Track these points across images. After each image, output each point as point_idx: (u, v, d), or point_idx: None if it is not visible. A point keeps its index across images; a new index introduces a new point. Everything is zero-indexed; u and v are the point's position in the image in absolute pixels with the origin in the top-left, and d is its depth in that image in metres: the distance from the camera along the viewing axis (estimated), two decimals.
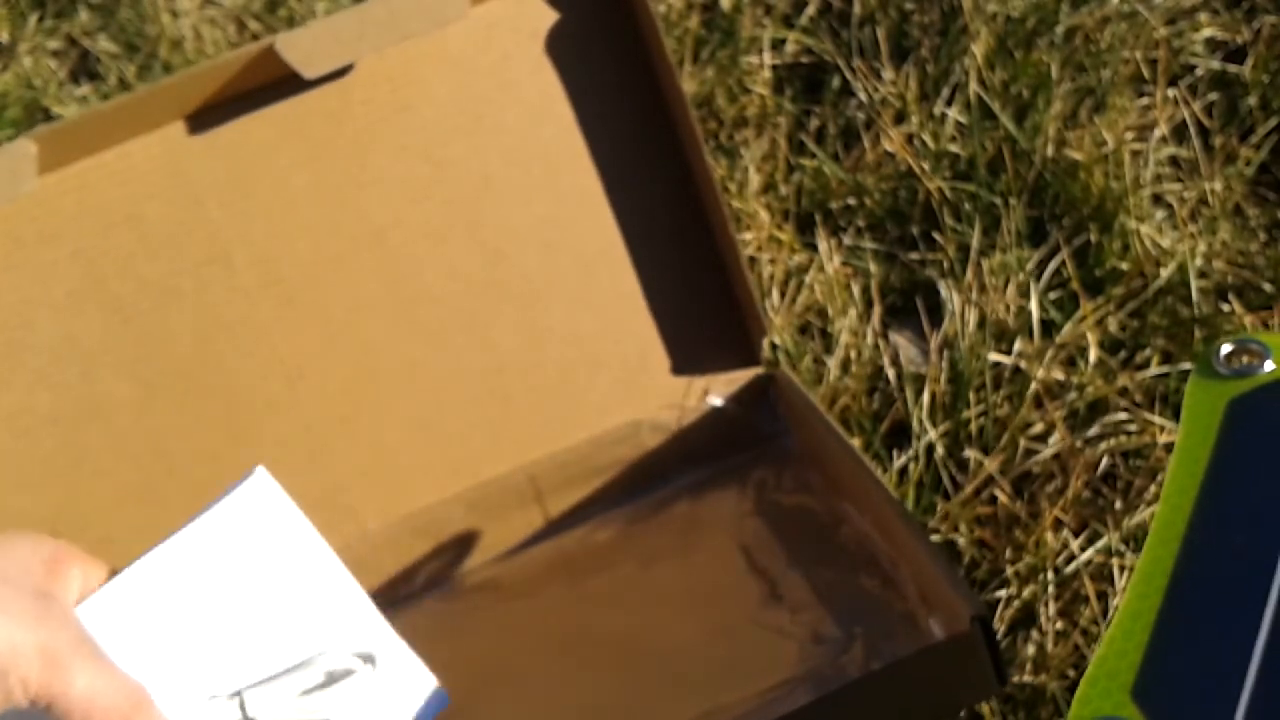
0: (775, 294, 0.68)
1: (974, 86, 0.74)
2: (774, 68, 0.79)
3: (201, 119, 0.51)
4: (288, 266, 0.52)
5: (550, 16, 0.53)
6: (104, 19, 0.93)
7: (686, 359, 0.58)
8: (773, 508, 0.55)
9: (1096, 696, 0.35)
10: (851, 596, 0.50)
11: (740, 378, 0.58)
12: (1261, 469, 0.38)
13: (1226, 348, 0.42)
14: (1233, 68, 0.74)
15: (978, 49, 0.75)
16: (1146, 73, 0.74)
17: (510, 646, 0.51)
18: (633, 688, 0.48)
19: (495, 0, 0.52)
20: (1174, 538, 0.38)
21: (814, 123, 0.76)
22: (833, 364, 0.65)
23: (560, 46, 0.53)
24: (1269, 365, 0.41)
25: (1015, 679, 0.53)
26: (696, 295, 0.57)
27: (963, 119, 0.73)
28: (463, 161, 0.54)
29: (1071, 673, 0.54)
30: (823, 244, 0.70)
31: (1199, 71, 0.74)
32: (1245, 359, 0.41)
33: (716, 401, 0.57)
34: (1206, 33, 0.75)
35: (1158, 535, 0.38)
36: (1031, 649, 0.54)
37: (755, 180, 0.73)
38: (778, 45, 0.80)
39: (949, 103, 0.74)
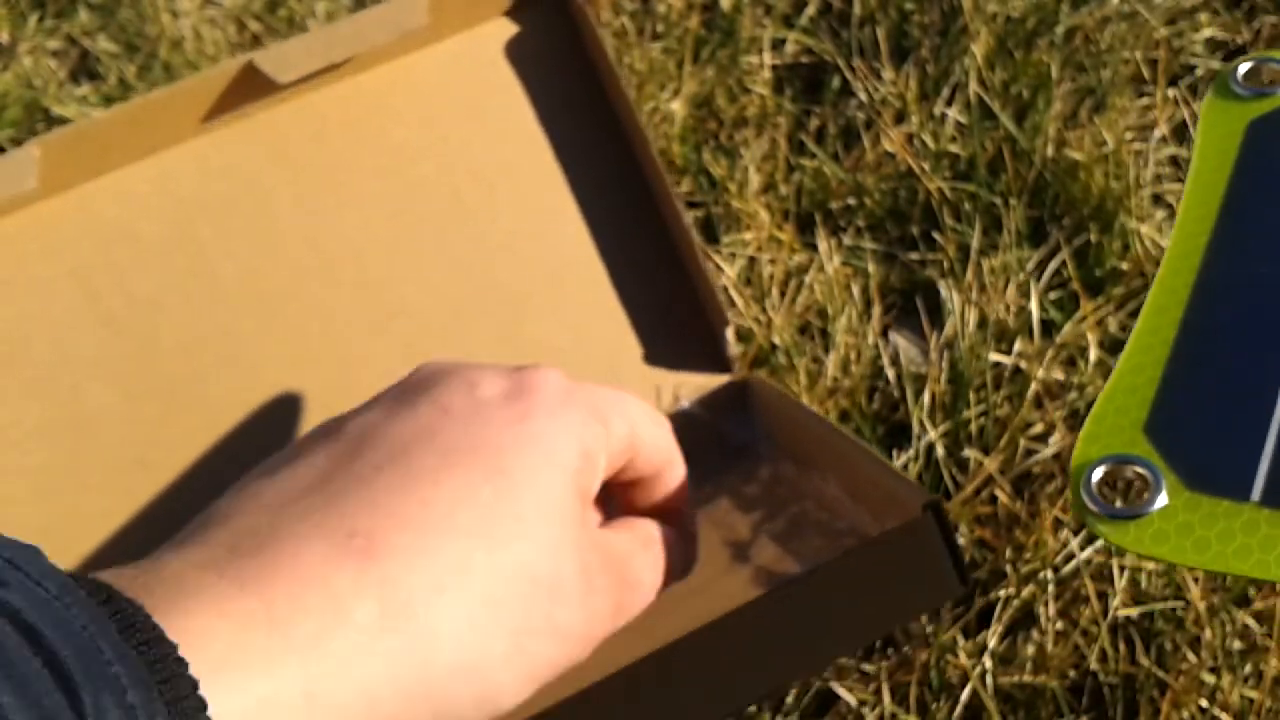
0: (775, 294, 0.68)
1: (974, 86, 0.74)
2: (774, 68, 0.79)
3: (195, 142, 0.55)
4: (271, 281, 0.55)
5: (506, 36, 0.58)
6: (104, 19, 0.93)
7: (659, 362, 0.59)
8: (751, 503, 0.56)
9: (1105, 434, 0.32)
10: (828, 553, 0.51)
11: (710, 383, 0.59)
12: (1269, 203, 0.35)
13: (1245, 66, 0.38)
14: None
15: (978, 49, 0.75)
16: (1147, 73, 0.74)
17: None
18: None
19: (456, 36, 0.57)
20: (1189, 268, 0.34)
21: (814, 123, 0.76)
22: (832, 364, 0.65)
23: (518, 66, 0.58)
24: None
25: (1015, 679, 0.53)
26: (664, 297, 0.60)
27: (963, 119, 0.73)
28: (433, 180, 0.57)
29: (1072, 673, 0.54)
30: (823, 244, 0.70)
31: (1199, 72, 0.74)
32: (1266, 79, 0.38)
33: (685, 405, 0.58)
34: (1207, 33, 0.75)
35: (1171, 265, 0.35)
36: (1031, 649, 0.54)
37: (755, 180, 0.73)
38: (778, 45, 0.80)
39: (949, 103, 0.74)
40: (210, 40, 0.88)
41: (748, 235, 0.70)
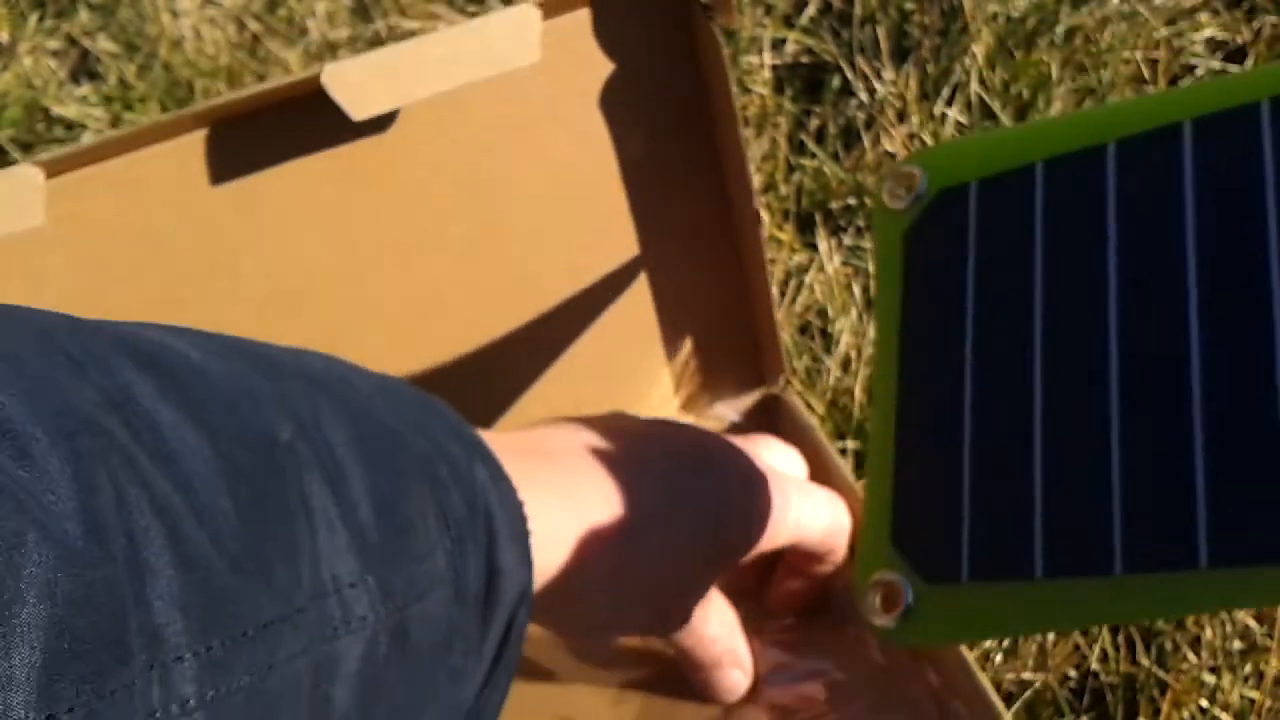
0: (775, 294, 0.68)
1: (974, 86, 0.74)
2: (774, 68, 0.79)
3: (221, 128, 0.47)
4: (298, 279, 0.50)
5: (604, 45, 0.49)
6: (104, 19, 0.93)
7: (698, 395, 0.57)
8: None
9: (867, 554, 0.36)
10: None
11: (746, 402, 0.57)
12: (935, 296, 0.38)
13: (889, 181, 0.40)
14: (1233, 68, 0.74)
15: (978, 49, 0.75)
16: (1147, 73, 0.74)
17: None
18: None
19: (554, 19, 0.47)
20: (890, 375, 0.38)
21: (814, 122, 0.76)
22: (833, 364, 0.65)
23: (618, 82, 0.50)
24: (924, 185, 0.39)
25: (1015, 678, 0.53)
26: (715, 336, 0.56)
27: (963, 119, 0.73)
28: (496, 184, 0.50)
29: (1073, 673, 0.54)
30: (823, 244, 0.70)
31: (1199, 72, 0.74)
32: (908, 188, 0.39)
33: (733, 417, 0.57)
34: (1207, 33, 0.75)
35: (878, 382, 0.38)
36: (1032, 648, 0.54)
37: (755, 180, 0.73)
38: (778, 45, 0.80)
39: (949, 102, 0.74)
40: (210, 40, 0.88)
41: None
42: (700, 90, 0.51)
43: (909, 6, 0.79)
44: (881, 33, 0.78)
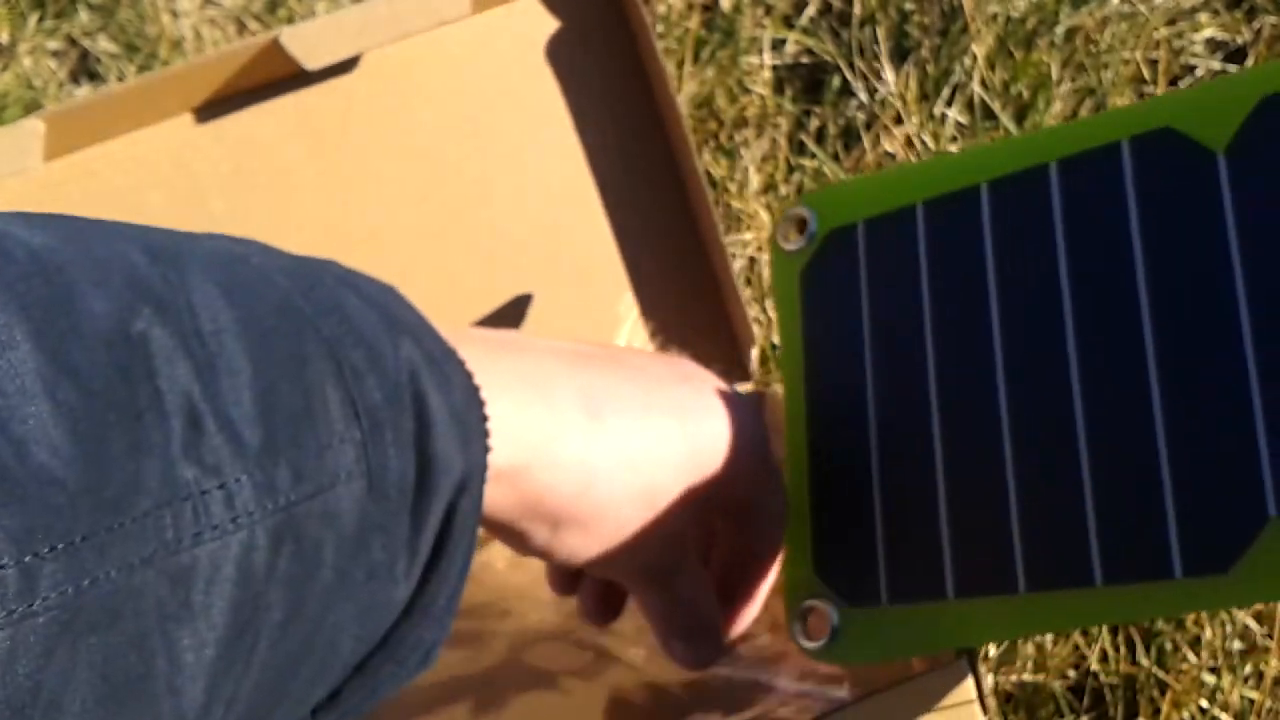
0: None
1: (974, 87, 0.74)
2: (774, 68, 0.79)
3: (208, 111, 0.51)
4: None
5: (551, 24, 0.54)
6: (104, 19, 0.93)
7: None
8: None
9: (793, 582, 0.38)
10: None
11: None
12: (833, 332, 0.39)
13: (783, 225, 0.42)
14: (1233, 68, 0.74)
15: (978, 49, 0.75)
16: (1147, 73, 0.74)
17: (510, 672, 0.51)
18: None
19: (497, 8, 0.53)
20: (799, 411, 0.39)
21: (814, 123, 0.76)
22: None
23: (559, 53, 0.54)
24: (814, 226, 0.41)
25: (1015, 678, 0.53)
26: (689, 303, 0.58)
27: (963, 119, 0.73)
28: (461, 164, 0.54)
29: (1072, 673, 0.54)
30: None
31: (1199, 72, 0.74)
32: (800, 229, 0.41)
33: None
34: (1207, 33, 0.75)
35: (789, 419, 0.40)
36: (1031, 648, 0.54)
37: (755, 180, 0.73)
38: (778, 46, 0.80)
39: (949, 103, 0.74)
40: (210, 40, 0.88)
41: (748, 235, 0.70)
42: (634, 59, 0.55)
43: (909, 7, 0.79)
44: (881, 33, 0.78)
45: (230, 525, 0.23)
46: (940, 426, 0.35)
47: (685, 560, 0.38)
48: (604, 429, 0.34)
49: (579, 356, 0.35)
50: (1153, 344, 0.31)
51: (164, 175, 0.51)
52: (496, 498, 0.32)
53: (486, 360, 0.31)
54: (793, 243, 0.41)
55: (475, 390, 0.29)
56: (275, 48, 0.49)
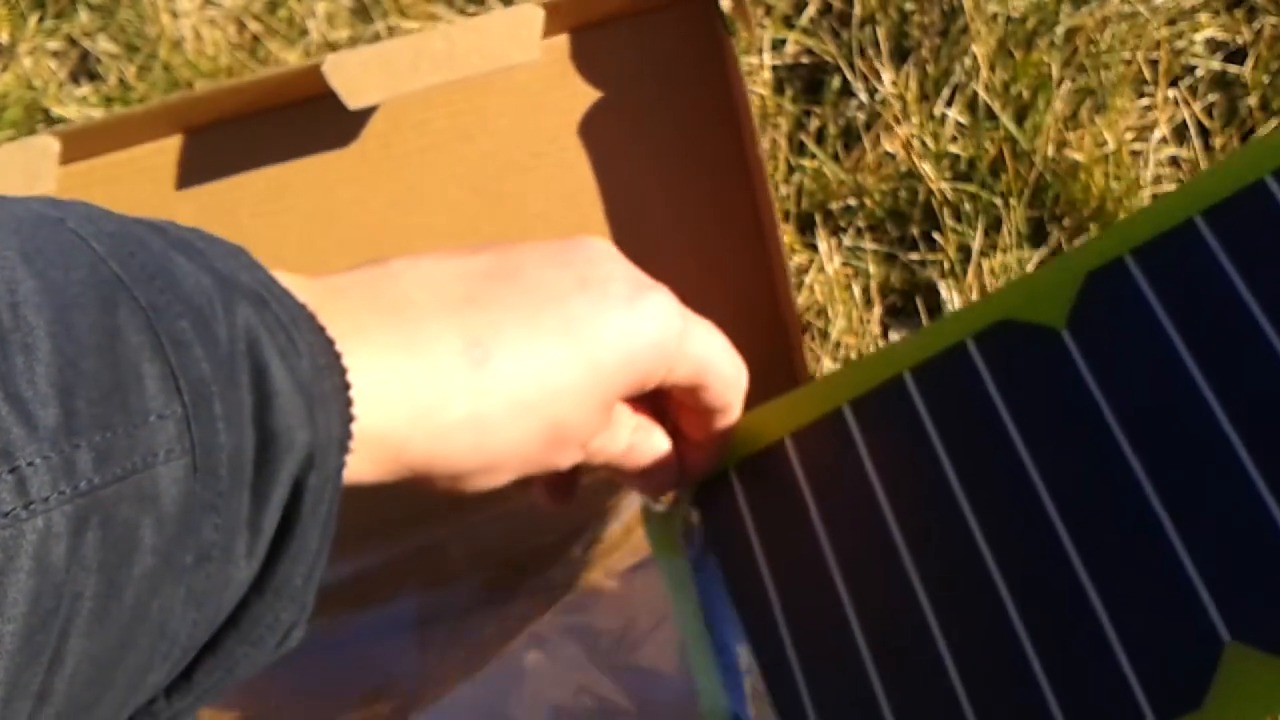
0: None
1: (974, 87, 0.74)
2: (774, 68, 0.79)
3: (242, 124, 0.47)
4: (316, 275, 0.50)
5: (630, 56, 0.49)
6: (104, 19, 0.93)
7: None
8: None
9: None
10: None
11: None
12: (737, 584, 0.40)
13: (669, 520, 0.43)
14: (1233, 68, 0.74)
15: (978, 49, 0.75)
16: (1147, 73, 0.74)
17: None
18: None
19: (571, 33, 0.47)
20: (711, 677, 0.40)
21: (814, 123, 0.76)
22: (833, 363, 0.65)
23: (640, 89, 0.49)
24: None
25: None
26: (755, 343, 0.55)
27: (963, 119, 0.73)
28: (517, 199, 0.50)
29: None
30: (823, 244, 0.70)
31: (1199, 72, 0.74)
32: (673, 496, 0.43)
33: None
34: (1207, 33, 0.75)
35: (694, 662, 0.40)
36: None
37: None
38: (778, 45, 0.80)
39: (949, 103, 0.74)
40: (210, 41, 0.88)
41: None
42: (721, 101, 0.51)
43: (909, 7, 0.79)
44: (881, 33, 0.78)
45: (23, 512, 0.21)
46: (869, 650, 0.35)
47: (618, 428, 0.37)
48: (491, 375, 0.32)
49: (462, 280, 0.33)
50: (1058, 517, 0.32)
51: (193, 186, 0.48)
52: (378, 466, 0.30)
53: (354, 320, 0.29)
54: (665, 505, 0.43)
55: (335, 357, 0.28)
56: (315, 75, 0.44)
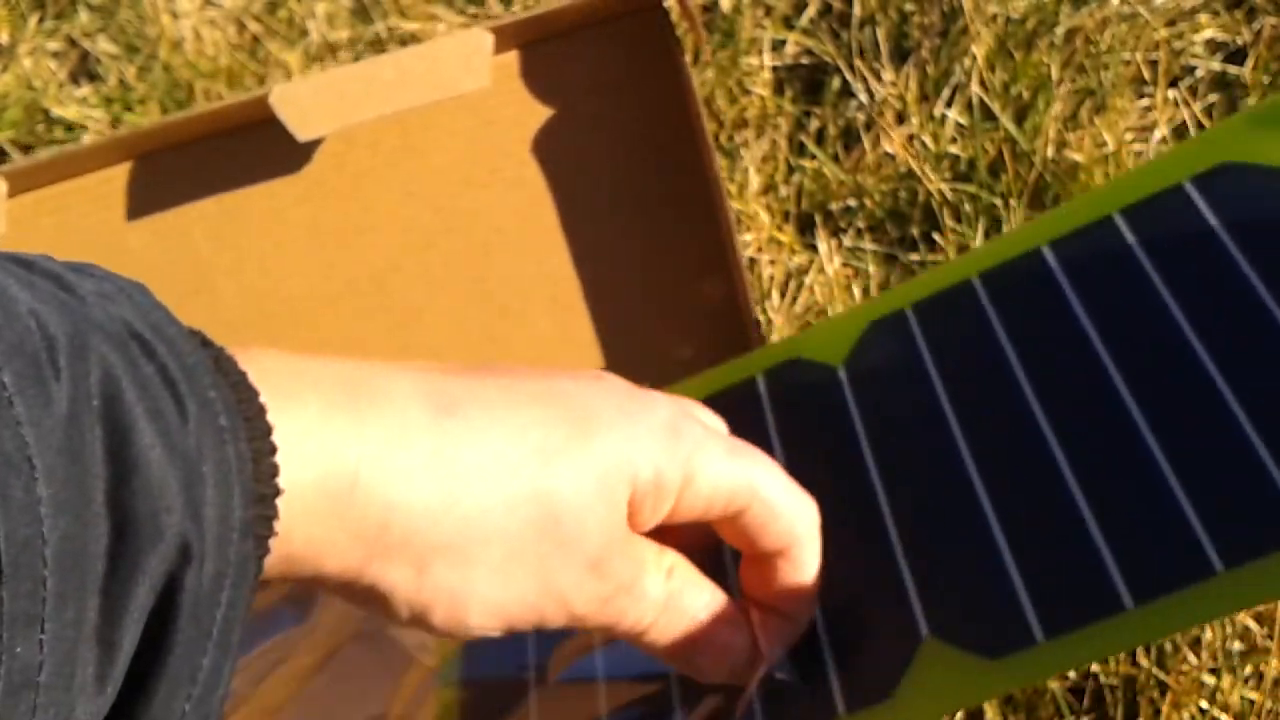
0: (775, 295, 0.68)
1: (974, 87, 0.74)
2: (774, 69, 0.79)
3: (192, 149, 0.47)
4: (276, 302, 0.49)
5: (581, 69, 0.48)
6: (104, 20, 0.93)
7: None
8: None
9: None
10: None
11: None
12: None
13: None
14: (1233, 69, 0.74)
15: (978, 50, 0.75)
16: (1147, 74, 0.74)
17: None
18: None
19: (522, 49, 0.47)
20: None
21: (814, 124, 0.76)
22: None
23: (593, 103, 0.48)
24: None
25: None
26: (706, 365, 0.55)
27: (963, 120, 0.73)
28: (472, 214, 0.49)
29: (1072, 673, 0.54)
30: (823, 245, 0.70)
31: (1199, 73, 0.74)
32: None
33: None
34: (1207, 34, 0.75)
35: None
36: None
37: (755, 181, 0.73)
38: (778, 46, 0.80)
39: (949, 104, 0.74)
40: (210, 41, 0.88)
41: (748, 236, 0.70)
42: (673, 110, 0.51)
43: (909, 7, 0.79)
44: (881, 34, 0.78)
45: None
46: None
47: (642, 572, 0.29)
48: (461, 424, 0.26)
49: (434, 368, 0.28)
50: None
51: (144, 212, 0.47)
52: (316, 540, 0.24)
53: (296, 373, 0.24)
54: None
55: (257, 412, 0.22)
56: (263, 105, 0.43)
